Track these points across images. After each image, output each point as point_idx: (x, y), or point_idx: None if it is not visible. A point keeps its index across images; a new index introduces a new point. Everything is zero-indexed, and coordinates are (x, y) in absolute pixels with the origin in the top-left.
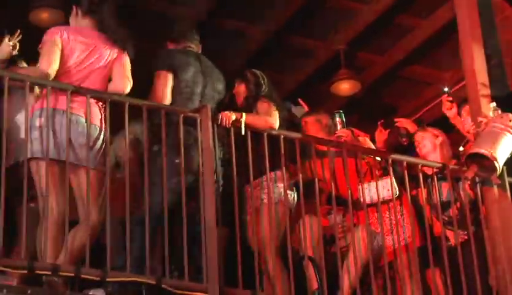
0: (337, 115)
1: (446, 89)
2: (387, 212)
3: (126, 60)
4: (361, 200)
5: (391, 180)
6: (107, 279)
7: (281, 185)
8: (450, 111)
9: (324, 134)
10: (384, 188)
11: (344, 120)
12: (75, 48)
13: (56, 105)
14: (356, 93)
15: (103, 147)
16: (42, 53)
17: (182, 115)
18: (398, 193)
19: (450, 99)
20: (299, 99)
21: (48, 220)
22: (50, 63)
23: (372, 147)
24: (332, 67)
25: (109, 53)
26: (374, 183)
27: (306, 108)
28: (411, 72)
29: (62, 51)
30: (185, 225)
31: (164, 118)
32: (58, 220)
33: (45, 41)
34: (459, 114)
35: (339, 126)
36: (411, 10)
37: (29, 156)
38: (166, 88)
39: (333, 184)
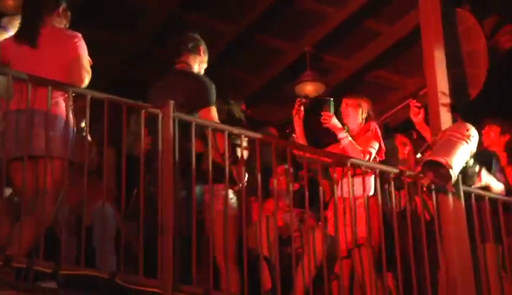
0: (326, 102)
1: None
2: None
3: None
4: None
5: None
6: (60, 272)
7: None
8: (417, 117)
9: (360, 120)
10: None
11: (332, 109)
12: None
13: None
14: (321, 94)
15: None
16: None
17: (144, 110)
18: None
19: (419, 104)
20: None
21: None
22: None
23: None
24: (298, 69)
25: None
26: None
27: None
28: (375, 77)
29: None
30: (142, 221)
31: (125, 113)
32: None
33: None
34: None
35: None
36: (377, 16)
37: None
38: None
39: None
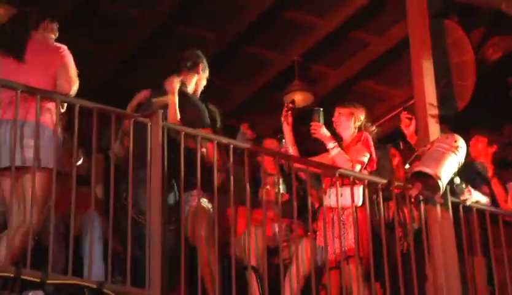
0: (315, 112)
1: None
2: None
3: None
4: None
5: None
6: (48, 282)
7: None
8: (408, 128)
9: (353, 130)
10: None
11: (321, 119)
12: None
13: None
14: (309, 104)
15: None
16: None
17: (133, 119)
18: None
19: (409, 116)
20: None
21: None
22: None
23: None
24: (286, 78)
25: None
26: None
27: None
28: (363, 87)
29: None
30: (130, 231)
31: (114, 123)
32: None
33: None
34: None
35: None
36: (366, 26)
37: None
38: None
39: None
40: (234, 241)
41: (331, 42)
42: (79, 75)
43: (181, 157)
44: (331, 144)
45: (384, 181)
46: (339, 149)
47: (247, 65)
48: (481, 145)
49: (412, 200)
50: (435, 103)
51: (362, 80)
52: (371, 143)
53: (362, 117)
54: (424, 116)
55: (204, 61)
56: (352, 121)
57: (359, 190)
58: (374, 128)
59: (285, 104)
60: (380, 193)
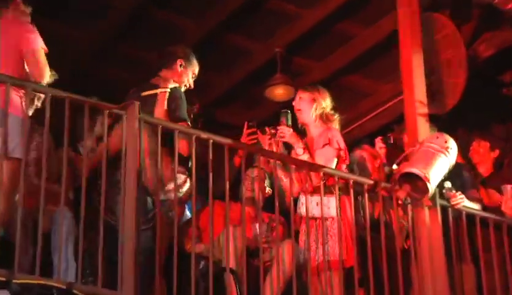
0: (283, 114)
1: None
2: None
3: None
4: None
5: (321, 197)
6: (14, 281)
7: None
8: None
9: (314, 117)
10: (319, 205)
11: (289, 122)
12: None
13: None
14: (291, 99)
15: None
16: None
17: (107, 111)
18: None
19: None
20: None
21: None
22: None
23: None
24: (268, 71)
25: None
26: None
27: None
28: (349, 82)
29: None
30: (102, 231)
31: (88, 113)
32: None
33: None
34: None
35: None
36: (353, 18)
37: None
38: None
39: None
40: (211, 241)
41: (315, 34)
42: (50, 63)
43: (158, 150)
44: (300, 150)
45: (370, 182)
46: (307, 155)
47: (227, 55)
48: (483, 151)
49: (400, 202)
50: (425, 101)
51: (348, 75)
52: (338, 137)
53: (324, 103)
54: (413, 114)
55: (186, 58)
56: (313, 107)
57: (333, 201)
58: (336, 115)
59: (246, 123)
60: (366, 195)
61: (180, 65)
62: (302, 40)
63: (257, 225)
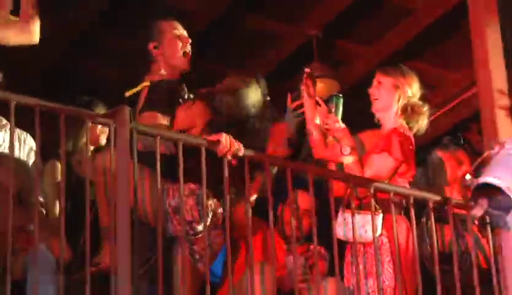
0: (332, 99)
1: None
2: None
3: None
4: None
5: (372, 217)
6: None
7: None
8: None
9: (395, 110)
10: (361, 225)
11: (340, 111)
12: None
13: None
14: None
15: None
16: None
17: (91, 121)
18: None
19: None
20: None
21: None
22: None
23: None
24: (301, 60)
25: None
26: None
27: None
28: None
29: None
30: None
31: (63, 123)
32: None
33: None
34: None
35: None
36: None
37: None
38: None
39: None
40: (231, 282)
41: (361, 11)
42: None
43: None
44: (346, 149)
45: (437, 198)
46: (354, 157)
47: (249, 42)
48: None
49: (476, 222)
50: (505, 90)
51: (405, 61)
52: (405, 143)
53: (411, 91)
54: (491, 107)
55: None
56: (395, 98)
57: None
58: (426, 107)
59: (305, 70)
60: (432, 215)
61: (155, 47)
62: (345, 19)
63: (291, 260)
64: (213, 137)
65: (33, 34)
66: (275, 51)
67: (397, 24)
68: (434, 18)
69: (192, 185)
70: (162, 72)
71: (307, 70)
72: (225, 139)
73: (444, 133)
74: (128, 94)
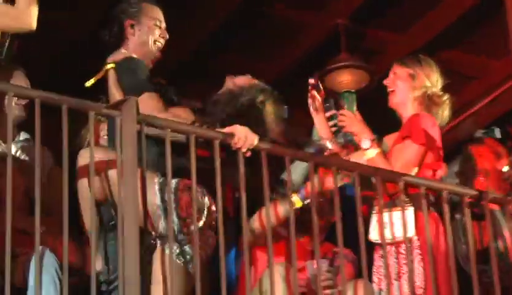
0: (343, 96)
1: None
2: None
3: None
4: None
5: (402, 215)
6: None
7: None
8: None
9: (412, 101)
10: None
11: (354, 106)
12: None
13: None
14: (363, 88)
15: None
16: None
17: (93, 112)
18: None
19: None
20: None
21: None
22: None
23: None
24: (327, 50)
25: None
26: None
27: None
28: (444, 60)
29: None
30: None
31: (66, 114)
32: None
33: None
34: None
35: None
36: None
37: None
38: None
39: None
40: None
41: None
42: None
43: (168, 164)
44: (366, 142)
45: (474, 192)
46: (377, 150)
47: (270, 33)
48: None
49: None
50: None
51: (441, 50)
52: (429, 127)
53: (428, 81)
54: None
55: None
56: (411, 88)
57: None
58: (446, 97)
59: (309, 81)
60: (468, 211)
61: (131, 26)
62: (374, 5)
63: (315, 263)
64: (228, 130)
65: (31, 20)
66: (299, 42)
67: (431, 10)
68: (472, 3)
69: (187, 181)
70: (128, 53)
71: (311, 81)
72: (240, 131)
73: (483, 125)
74: (89, 83)
